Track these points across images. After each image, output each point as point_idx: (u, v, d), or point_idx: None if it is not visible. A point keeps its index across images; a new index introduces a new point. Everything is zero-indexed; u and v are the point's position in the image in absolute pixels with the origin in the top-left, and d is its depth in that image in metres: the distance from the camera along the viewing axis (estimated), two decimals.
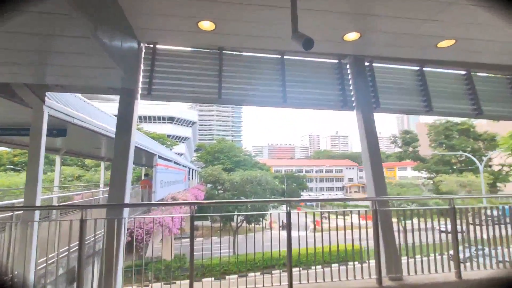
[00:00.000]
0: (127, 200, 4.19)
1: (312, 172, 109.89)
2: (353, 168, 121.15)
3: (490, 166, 58.44)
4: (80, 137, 8.94)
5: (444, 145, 57.02)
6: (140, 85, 4.66)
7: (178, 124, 69.97)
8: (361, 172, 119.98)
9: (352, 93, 5.07)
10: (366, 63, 5.15)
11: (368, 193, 5.10)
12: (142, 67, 4.73)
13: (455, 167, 55.29)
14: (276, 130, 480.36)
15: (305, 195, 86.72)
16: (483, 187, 22.84)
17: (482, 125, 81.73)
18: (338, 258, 4.19)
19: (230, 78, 4.88)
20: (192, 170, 31.87)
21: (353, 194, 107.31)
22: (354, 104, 5.05)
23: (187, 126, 73.16)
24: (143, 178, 11.54)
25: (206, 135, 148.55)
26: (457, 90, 5.59)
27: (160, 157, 11.30)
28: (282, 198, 4.85)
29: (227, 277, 24.41)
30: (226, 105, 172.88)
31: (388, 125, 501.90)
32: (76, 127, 6.52)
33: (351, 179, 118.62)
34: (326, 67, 5.20)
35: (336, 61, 5.19)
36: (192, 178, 37.71)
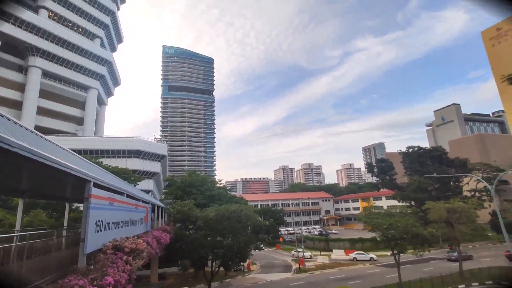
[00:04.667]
0: None
1: (289, 205, 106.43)
2: (329, 200, 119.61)
3: (461, 193, 59.32)
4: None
5: (419, 172, 57.25)
6: None
7: (146, 159, 64.81)
8: (336, 204, 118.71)
9: None
10: None
11: None
12: None
13: (432, 193, 55.12)
14: (250, 164, 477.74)
15: (283, 230, 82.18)
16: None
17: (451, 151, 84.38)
18: None
19: None
20: (158, 207, 27.28)
21: (330, 226, 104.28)
22: None
23: (156, 160, 68.05)
24: None
25: (177, 170, 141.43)
26: None
27: (98, 185, 7.63)
28: None
29: None
30: (198, 137, 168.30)
31: (356, 157, 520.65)
32: None
33: (327, 212, 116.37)
34: None
35: None
36: (160, 218, 32.76)
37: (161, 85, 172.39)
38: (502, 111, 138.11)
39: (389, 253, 33.73)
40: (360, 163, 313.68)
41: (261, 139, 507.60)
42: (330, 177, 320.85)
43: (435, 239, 36.52)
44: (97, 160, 38.29)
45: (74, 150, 12.51)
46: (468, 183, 58.51)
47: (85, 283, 4.71)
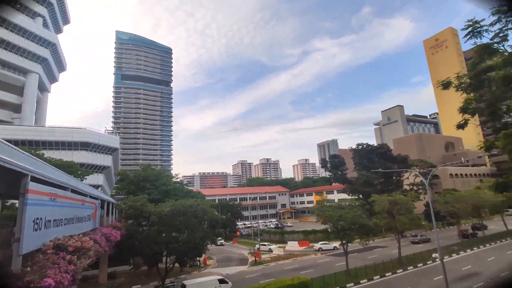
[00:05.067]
0: None
1: (247, 200, 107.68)
2: (285, 194, 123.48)
3: (402, 186, 65.56)
4: None
5: (367, 168, 61.81)
6: None
7: (95, 151, 60.41)
8: (292, 197, 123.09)
9: None
10: None
11: None
12: None
13: (378, 187, 60.01)
14: (208, 159, 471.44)
15: (240, 224, 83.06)
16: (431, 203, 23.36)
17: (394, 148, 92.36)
18: None
19: None
20: (108, 203, 25.74)
21: (286, 219, 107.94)
22: None
23: (107, 153, 63.82)
24: None
25: (131, 164, 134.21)
26: None
27: (37, 179, 7.00)
28: None
29: None
30: (154, 130, 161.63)
31: (311, 153, 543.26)
32: None
33: (283, 205, 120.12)
34: None
35: None
36: (110, 214, 30.92)
37: (114, 73, 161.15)
38: (437, 113, 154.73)
39: (338, 243, 36.12)
40: (315, 159, 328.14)
41: (220, 133, 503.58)
42: (287, 172, 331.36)
43: (379, 228, 39.88)
44: (37, 152, 34.78)
45: (9, 141, 11.23)
46: (408, 178, 64.67)
47: (20, 286, 4.32)
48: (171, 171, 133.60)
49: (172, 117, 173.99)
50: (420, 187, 63.20)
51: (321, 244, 47.61)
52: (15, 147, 9.62)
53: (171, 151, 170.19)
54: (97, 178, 58.97)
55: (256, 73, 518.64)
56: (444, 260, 21.08)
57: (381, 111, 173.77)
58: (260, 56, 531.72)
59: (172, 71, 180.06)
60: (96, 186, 54.17)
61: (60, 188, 9.26)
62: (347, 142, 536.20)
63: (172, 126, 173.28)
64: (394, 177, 63.90)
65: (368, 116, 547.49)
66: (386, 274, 30.12)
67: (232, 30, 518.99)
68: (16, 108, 65.52)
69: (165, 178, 49.13)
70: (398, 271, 31.19)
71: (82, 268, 8.37)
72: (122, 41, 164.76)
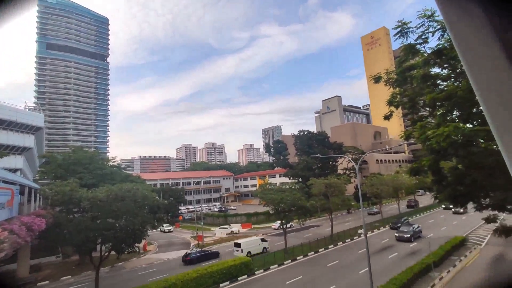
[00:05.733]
0: None
1: (190, 184, 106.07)
2: (229, 178, 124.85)
3: (336, 171, 71.75)
4: None
5: (308, 153, 65.85)
6: None
7: (12, 130, 52.22)
8: (236, 181, 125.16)
9: None
10: None
11: None
12: None
13: (316, 172, 64.55)
14: (150, 142, 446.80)
15: (183, 209, 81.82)
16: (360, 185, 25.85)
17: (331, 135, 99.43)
18: None
19: None
20: (30, 189, 22.81)
21: (230, 203, 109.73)
22: None
23: (28, 132, 55.73)
24: None
25: (59, 146, 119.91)
26: None
27: None
28: None
29: None
30: (87, 109, 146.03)
31: (256, 138, 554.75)
32: None
33: (228, 189, 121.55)
34: None
35: None
36: (33, 201, 27.49)
37: (37, 41, 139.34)
38: (369, 105, 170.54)
39: (295, 221, 38.53)
40: (259, 144, 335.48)
41: (164, 115, 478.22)
42: (232, 156, 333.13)
43: (315, 209, 43.20)
44: None
45: None
46: (342, 163, 70.71)
47: None
48: (108, 154, 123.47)
49: (109, 95, 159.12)
50: (351, 171, 69.76)
51: (279, 223, 49.98)
52: None
53: (108, 132, 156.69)
54: (15, 161, 51.46)
55: (203, 54, 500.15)
56: (367, 235, 23.92)
57: (322, 100, 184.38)
58: (208, 37, 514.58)
59: (109, 44, 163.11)
60: (14, 170, 47.45)
61: None
62: (290, 129, 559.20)
63: (108, 105, 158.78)
64: (330, 162, 69.24)
65: (310, 104, 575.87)
66: (319, 250, 33.09)
67: (178, 6, 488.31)
68: None
69: (100, 161, 45.33)
70: (329, 247, 34.49)
71: None
72: (47, 4, 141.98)
